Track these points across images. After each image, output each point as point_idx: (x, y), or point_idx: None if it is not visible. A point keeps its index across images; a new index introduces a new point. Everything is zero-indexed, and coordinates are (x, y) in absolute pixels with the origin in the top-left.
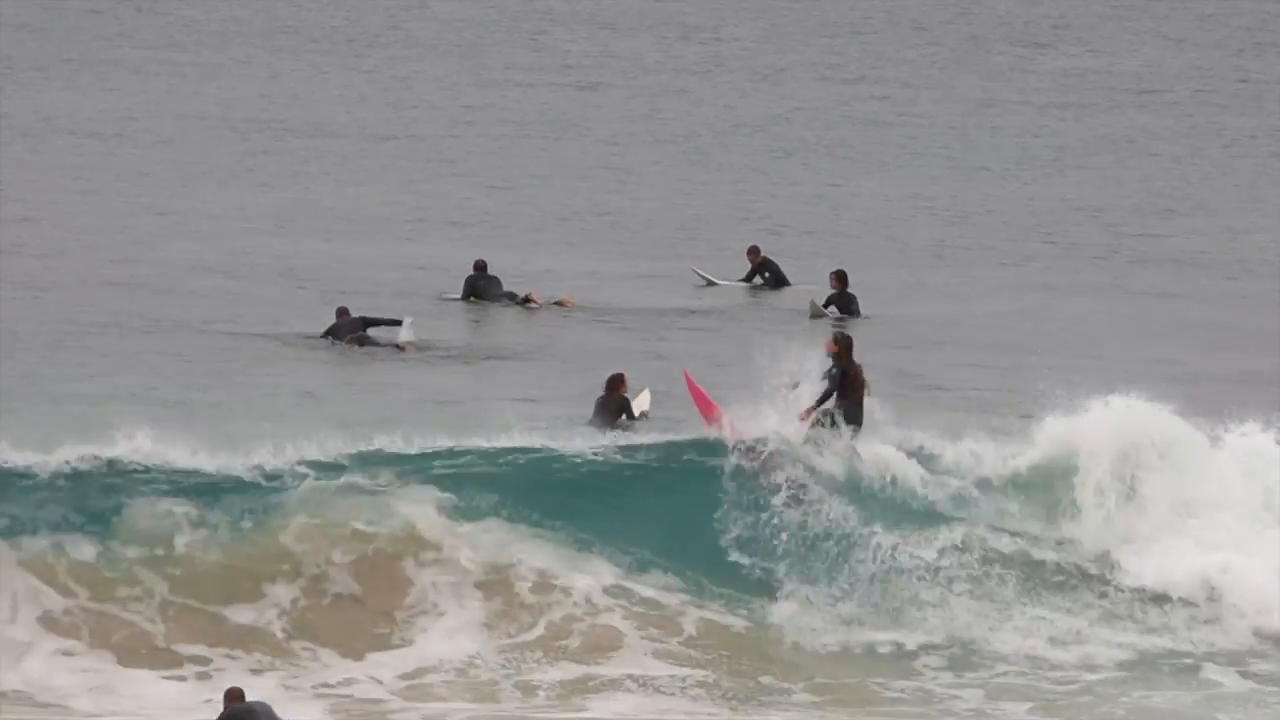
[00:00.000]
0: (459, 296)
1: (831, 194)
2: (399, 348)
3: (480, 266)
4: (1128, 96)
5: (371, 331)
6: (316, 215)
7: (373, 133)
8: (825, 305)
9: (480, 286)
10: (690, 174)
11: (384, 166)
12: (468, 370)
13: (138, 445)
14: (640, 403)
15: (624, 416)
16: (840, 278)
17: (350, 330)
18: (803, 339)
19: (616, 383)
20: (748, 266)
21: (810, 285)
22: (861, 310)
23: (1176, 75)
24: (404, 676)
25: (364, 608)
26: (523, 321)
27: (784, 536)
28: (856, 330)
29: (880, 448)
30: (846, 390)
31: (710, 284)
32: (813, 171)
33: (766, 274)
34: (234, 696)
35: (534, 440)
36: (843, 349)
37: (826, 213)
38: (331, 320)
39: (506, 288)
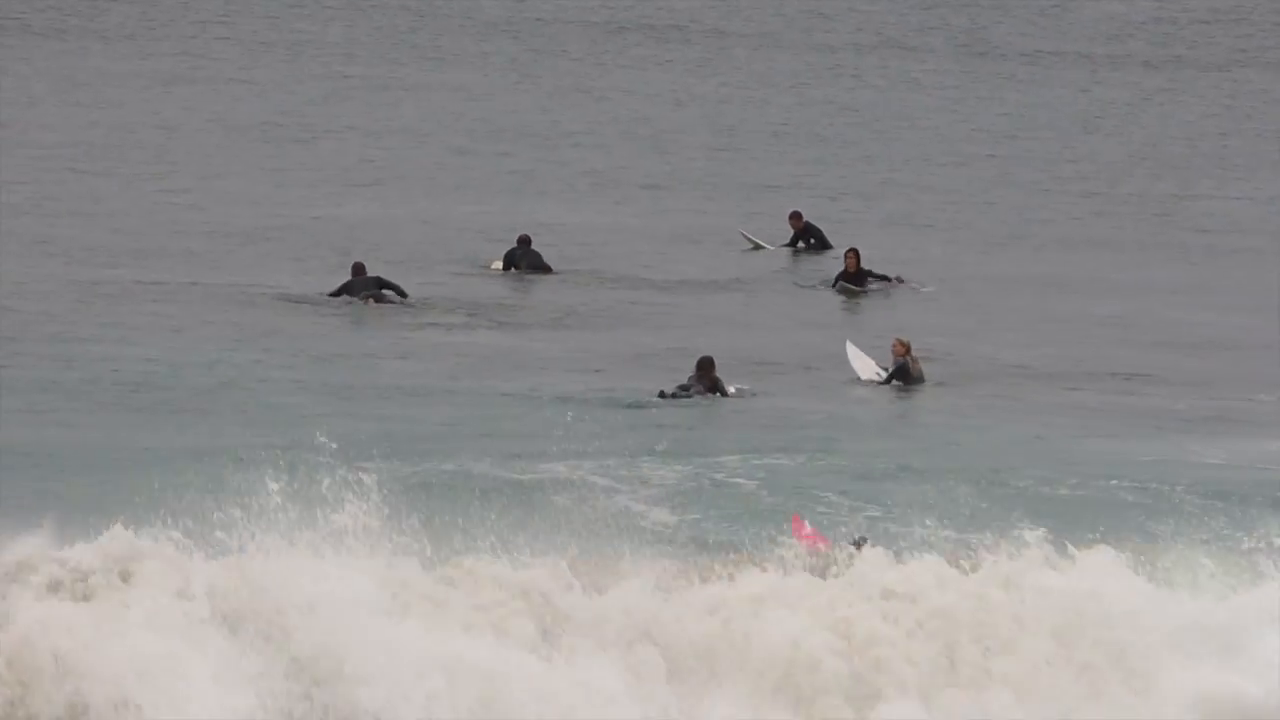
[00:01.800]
0: (500, 268)
1: (872, 159)
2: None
3: (524, 241)
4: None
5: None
6: (361, 176)
7: (407, 90)
8: (842, 279)
9: (516, 257)
10: (727, 139)
11: (423, 128)
12: (510, 335)
13: None
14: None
15: (718, 394)
16: (854, 255)
17: (365, 288)
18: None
19: (708, 365)
20: (790, 232)
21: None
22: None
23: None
24: None
25: None
26: (555, 290)
27: None
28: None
29: None
30: (907, 379)
31: (757, 248)
32: (851, 138)
33: (812, 239)
34: None
35: None
36: (905, 348)
37: (864, 177)
38: (347, 277)
39: (546, 256)
